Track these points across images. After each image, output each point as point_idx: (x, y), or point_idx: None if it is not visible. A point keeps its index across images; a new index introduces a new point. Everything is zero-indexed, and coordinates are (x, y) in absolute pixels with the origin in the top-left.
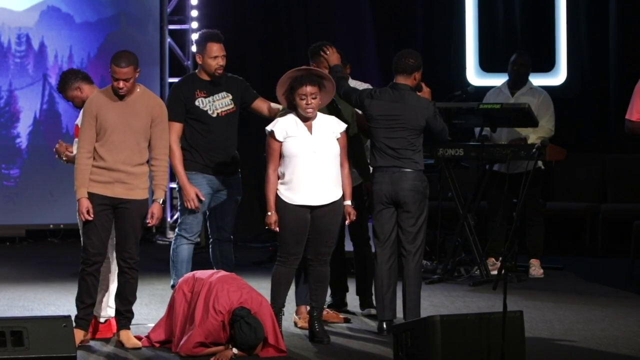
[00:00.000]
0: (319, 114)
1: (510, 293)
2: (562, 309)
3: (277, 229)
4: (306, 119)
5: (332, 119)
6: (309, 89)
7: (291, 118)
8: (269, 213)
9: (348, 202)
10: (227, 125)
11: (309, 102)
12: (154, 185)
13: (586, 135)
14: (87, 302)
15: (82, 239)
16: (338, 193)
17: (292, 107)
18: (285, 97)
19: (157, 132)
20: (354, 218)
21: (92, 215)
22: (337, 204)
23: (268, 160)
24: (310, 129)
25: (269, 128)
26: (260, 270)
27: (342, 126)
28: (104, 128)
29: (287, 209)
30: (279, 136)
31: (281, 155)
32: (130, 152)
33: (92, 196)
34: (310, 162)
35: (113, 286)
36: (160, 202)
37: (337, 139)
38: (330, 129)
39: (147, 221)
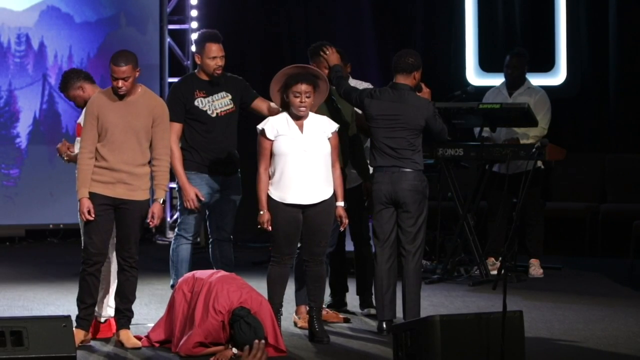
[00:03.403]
0: (311, 114)
1: (510, 293)
2: (562, 309)
3: (270, 227)
4: (298, 118)
5: (324, 119)
6: (303, 87)
7: (283, 117)
8: (262, 212)
9: (341, 204)
10: (226, 125)
11: (303, 101)
12: (155, 185)
13: (586, 135)
14: (88, 302)
15: (82, 238)
16: (328, 192)
17: (284, 105)
18: (279, 94)
19: (158, 132)
20: (347, 222)
21: (92, 215)
22: (328, 203)
23: (259, 159)
24: (301, 128)
25: (260, 127)
26: (260, 270)
27: (334, 126)
28: (105, 128)
29: (279, 208)
30: (269, 135)
31: (271, 154)
32: (132, 152)
33: (93, 196)
34: (300, 160)
35: (113, 286)
36: (161, 202)
37: (329, 139)
38: (321, 128)
39: (148, 221)
